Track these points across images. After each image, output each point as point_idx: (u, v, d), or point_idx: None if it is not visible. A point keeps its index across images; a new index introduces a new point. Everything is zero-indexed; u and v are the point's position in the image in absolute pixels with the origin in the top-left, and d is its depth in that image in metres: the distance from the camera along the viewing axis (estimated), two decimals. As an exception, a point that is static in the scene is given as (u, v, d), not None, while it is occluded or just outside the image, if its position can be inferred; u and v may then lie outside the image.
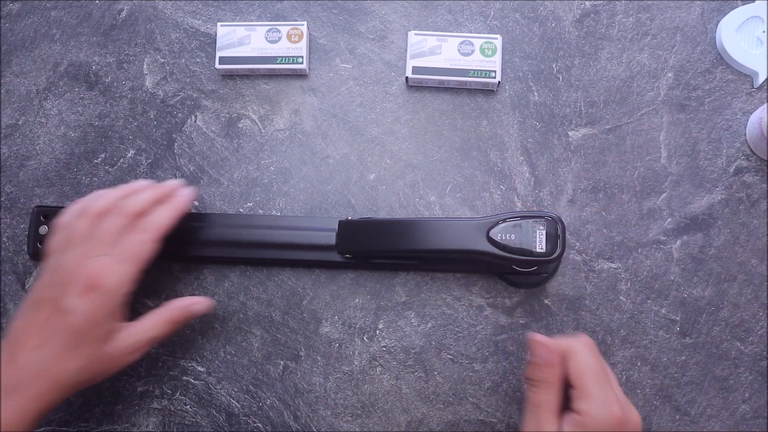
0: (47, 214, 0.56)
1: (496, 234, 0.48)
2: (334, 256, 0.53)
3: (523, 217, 0.49)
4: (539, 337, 0.46)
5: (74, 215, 0.48)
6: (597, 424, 0.42)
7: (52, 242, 0.48)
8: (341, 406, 0.54)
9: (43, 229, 0.56)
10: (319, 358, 0.55)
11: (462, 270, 0.55)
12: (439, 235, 0.49)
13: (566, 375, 0.45)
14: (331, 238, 0.53)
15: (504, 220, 0.49)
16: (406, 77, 0.57)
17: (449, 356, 0.54)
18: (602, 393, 0.43)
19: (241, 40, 0.58)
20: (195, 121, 0.59)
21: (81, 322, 0.44)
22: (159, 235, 0.48)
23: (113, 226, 0.47)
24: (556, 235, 0.48)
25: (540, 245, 0.48)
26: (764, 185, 0.56)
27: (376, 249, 0.52)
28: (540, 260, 0.48)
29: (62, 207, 0.56)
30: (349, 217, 0.54)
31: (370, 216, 0.56)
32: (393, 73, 0.59)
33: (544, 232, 0.48)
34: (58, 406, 0.46)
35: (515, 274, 0.53)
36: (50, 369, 0.44)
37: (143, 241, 0.47)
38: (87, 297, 0.44)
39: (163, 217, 0.49)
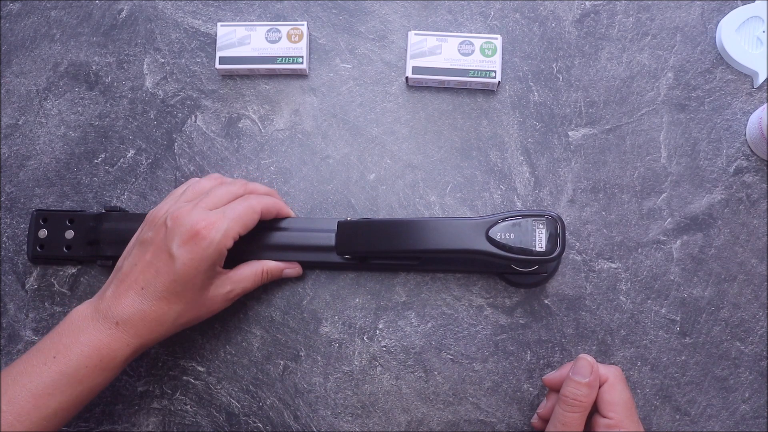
0: (47, 217, 0.56)
1: (496, 233, 0.48)
2: (334, 257, 0.53)
3: (522, 216, 0.48)
4: (591, 359, 0.47)
5: (205, 177, 0.53)
6: None
7: (176, 190, 0.52)
8: (341, 406, 0.54)
9: (42, 233, 0.55)
10: (319, 358, 0.55)
11: (462, 270, 0.55)
12: (438, 235, 0.49)
13: (597, 402, 0.46)
14: (330, 239, 0.53)
15: (503, 220, 0.48)
16: (406, 77, 0.57)
17: (449, 356, 0.54)
18: (634, 424, 0.45)
19: (241, 40, 0.58)
20: (195, 121, 0.59)
21: (184, 270, 0.46)
22: (263, 209, 0.51)
23: (228, 192, 0.50)
24: (556, 234, 0.48)
25: (540, 244, 0.48)
26: (764, 185, 0.56)
27: (376, 249, 0.52)
28: (540, 259, 0.48)
29: (62, 211, 0.56)
30: (348, 218, 0.53)
31: (369, 216, 0.56)
32: (393, 73, 0.59)
33: (544, 231, 0.48)
34: (158, 342, 0.48)
35: (515, 273, 0.53)
36: (152, 311, 0.46)
37: (249, 206, 0.50)
38: (191, 246, 0.46)
39: (270, 200, 0.52)
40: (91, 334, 0.45)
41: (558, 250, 0.48)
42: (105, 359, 0.45)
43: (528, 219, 0.48)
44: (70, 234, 0.55)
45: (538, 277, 0.54)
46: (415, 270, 0.55)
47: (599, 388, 0.46)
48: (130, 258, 0.49)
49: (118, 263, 0.50)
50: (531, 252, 0.48)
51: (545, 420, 0.49)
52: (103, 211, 0.56)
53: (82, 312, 0.47)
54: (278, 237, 0.54)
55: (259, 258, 0.53)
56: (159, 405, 0.54)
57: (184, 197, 0.51)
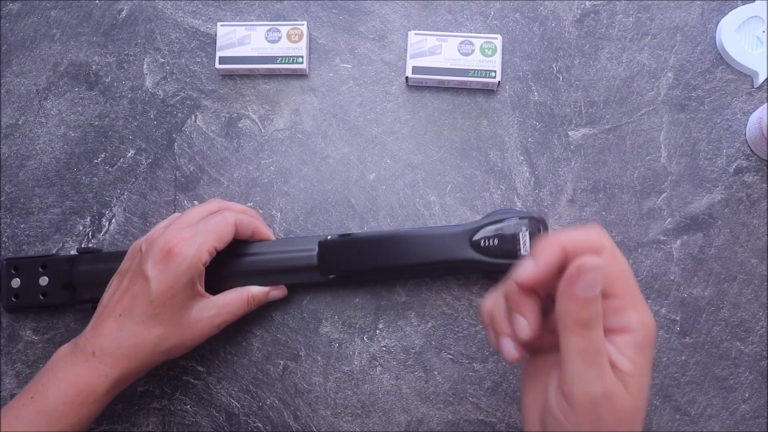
0: (18, 266, 0.54)
1: (480, 240, 0.48)
2: (318, 277, 0.52)
3: (505, 220, 0.48)
4: (595, 260, 0.33)
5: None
6: (653, 335, 0.33)
7: (158, 224, 0.51)
8: (341, 406, 0.54)
9: (15, 282, 0.53)
10: (319, 358, 0.55)
11: (450, 276, 0.55)
12: (422, 248, 0.49)
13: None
14: (312, 259, 0.52)
15: (486, 225, 0.48)
16: (406, 77, 0.57)
17: (449, 356, 0.54)
18: (642, 296, 0.34)
19: (241, 40, 0.58)
20: (195, 121, 0.59)
21: (160, 290, 0.45)
22: (237, 222, 0.49)
23: (201, 210, 0.50)
24: (540, 234, 0.48)
25: (524, 248, 0.48)
26: (764, 185, 0.56)
27: (359, 268, 0.51)
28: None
29: (33, 257, 0.55)
30: (328, 237, 0.52)
31: (370, 216, 0.56)
32: (393, 73, 0.59)
33: (527, 233, 0.48)
34: (143, 374, 0.47)
35: (501, 272, 0.53)
36: (130, 337, 0.45)
37: (222, 219, 0.48)
38: (165, 264, 0.45)
39: (245, 216, 0.51)
40: (68, 369, 0.44)
41: None
42: (83, 393, 0.44)
43: (510, 222, 0.48)
44: (44, 280, 0.53)
45: None
46: (404, 280, 0.55)
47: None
48: (109, 289, 0.48)
49: (102, 296, 0.48)
50: (516, 255, 0.48)
51: (524, 343, 0.37)
52: (76, 253, 0.55)
53: (62, 350, 0.46)
54: (260, 262, 0.52)
55: (243, 285, 0.51)
56: (159, 405, 0.54)
57: (163, 225, 0.50)
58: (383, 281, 0.55)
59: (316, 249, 0.52)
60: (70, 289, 0.53)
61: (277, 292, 0.53)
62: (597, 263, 0.33)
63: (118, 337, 0.45)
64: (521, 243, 0.47)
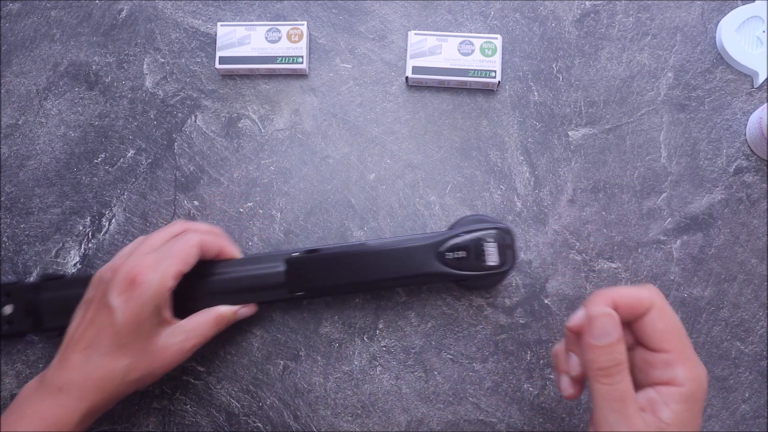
0: (10, 292, 0.53)
1: (447, 253, 0.49)
2: (286, 294, 0.51)
3: (472, 232, 0.49)
4: (603, 306, 0.36)
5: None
6: (703, 390, 0.34)
7: (123, 249, 0.50)
8: (341, 406, 0.54)
9: (7, 309, 0.52)
10: (319, 358, 0.55)
11: (419, 286, 0.55)
12: (388, 262, 0.49)
13: (642, 336, 0.37)
14: (280, 276, 0.51)
15: (452, 237, 0.49)
16: (406, 77, 0.57)
17: (449, 356, 0.54)
18: (694, 353, 0.35)
19: (241, 40, 0.58)
20: (195, 121, 0.59)
21: (125, 320, 0.44)
22: (201, 243, 0.48)
23: (165, 233, 0.49)
24: (507, 245, 0.49)
25: (491, 259, 0.48)
26: (764, 185, 0.56)
27: (326, 284, 0.50)
28: (492, 274, 0.49)
29: (20, 282, 0.54)
30: (295, 254, 0.51)
31: (369, 215, 0.56)
32: (393, 73, 0.59)
33: (494, 244, 0.48)
34: (113, 406, 0.46)
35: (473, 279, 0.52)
36: (98, 369, 0.44)
37: (185, 242, 0.47)
38: (130, 293, 0.44)
39: (210, 237, 0.50)
40: (35, 405, 0.43)
41: (510, 263, 0.49)
42: (52, 429, 0.42)
43: (477, 234, 0.49)
44: (9, 308, 0.53)
45: (494, 279, 0.52)
46: (374, 293, 0.55)
47: (645, 316, 0.37)
48: (74, 321, 0.47)
49: (68, 328, 0.47)
50: (483, 267, 0.48)
51: (580, 382, 0.40)
52: (40, 280, 0.54)
53: (29, 386, 0.45)
54: (227, 282, 0.51)
55: (211, 305, 0.50)
56: (159, 405, 0.54)
57: (127, 252, 0.49)
58: (352, 295, 0.55)
59: (284, 266, 0.51)
60: (35, 317, 0.52)
61: (246, 309, 0.51)
62: (605, 311, 0.35)
63: (84, 370, 0.44)
64: (487, 254, 0.48)
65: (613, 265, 0.55)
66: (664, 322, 0.36)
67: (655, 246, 0.55)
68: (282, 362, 0.55)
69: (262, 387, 0.54)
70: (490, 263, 0.48)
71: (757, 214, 0.55)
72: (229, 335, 0.55)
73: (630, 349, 0.38)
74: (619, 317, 0.36)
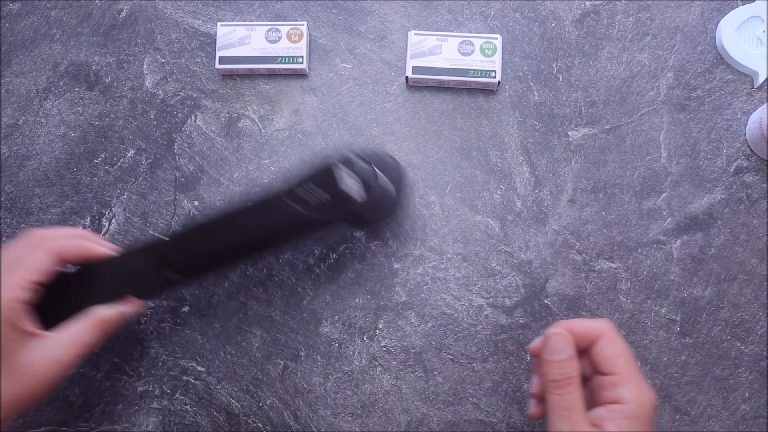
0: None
1: (299, 194, 0.47)
2: (161, 280, 0.48)
3: (324, 168, 0.47)
4: (561, 330, 0.42)
5: None
6: (646, 410, 0.39)
7: None
8: (341, 406, 0.54)
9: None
10: (319, 358, 0.55)
11: (310, 237, 0.52)
12: (249, 223, 0.47)
13: (595, 362, 0.42)
14: (142, 263, 0.48)
15: (302, 178, 0.47)
16: (406, 77, 0.57)
17: (449, 356, 0.54)
18: (640, 376, 0.40)
19: (241, 40, 0.58)
20: (195, 121, 0.59)
21: None
22: (58, 249, 0.45)
23: (20, 245, 0.45)
24: (367, 173, 0.46)
25: (346, 185, 0.46)
26: (764, 185, 0.56)
27: (194, 263, 0.48)
28: (357, 205, 0.47)
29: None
30: (159, 238, 0.49)
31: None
32: (393, 73, 0.59)
33: (352, 174, 0.46)
34: None
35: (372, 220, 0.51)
36: None
37: (30, 249, 0.44)
38: None
39: (72, 241, 0.46)
40: None
41: (377, 189, 0.47)
42: None
43: (327, 167, 0.47)
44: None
45: (381, 212, 0.51)
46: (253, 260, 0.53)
47: (596, 343, 0.42)
48: None
49: None
50: (341, 198, 0.46)
51: (542, 401, 0.45)
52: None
53: None
54: (93, 280, 0.48)
55: (87, 308, 0.46)
56: (159, 405, 0.54)
57: None
58: (231, 267, 0.53)
59: (145, 252, 0.48)
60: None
61: (129, 307, 0.47)
62: (559, 331, 0.42)
63: None
64: (343, 183, 0.46)
65: (613, 265, 0.55)
66: (612, 348, 0.41)
67: (655, 246, 0.55)
68: (282, 362, 0.55)
69: (262, 387, 0.54)
70: (348, 190, 0.46)
71: (757, 214, 0.56)
72: (229, 335, 0.55)
73: (588, 378, 0.43)
74: (575, 342, 0.42)
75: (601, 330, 0.42)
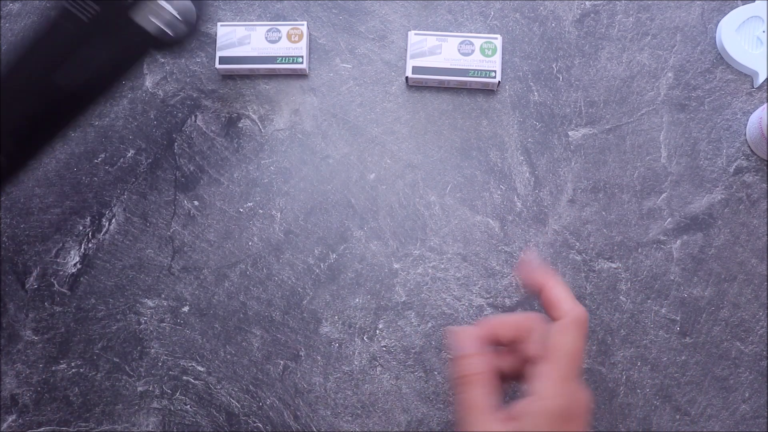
0: None
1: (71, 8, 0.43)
2: None
3: None
4: (465, 327, 0.41)
5: None
6: (571, 410, 0.36)
7: None
8: (341, 406, 0.54)
9: None
10: (319, 358, 0.55)
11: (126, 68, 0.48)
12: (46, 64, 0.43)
13: (524, 353, 0.39)
14: None
15: None
16: (406, 77, 0.57)
17: (449, 356, 0.54)
18: (572, 373, 0.37)
19: (241, 39, 0.58)
20: (195, 121, 0.59)
21: None
22: None
23: None
24: None
25: None
26: (764, 185, 0.56)
27: (21, 124, 0.44)
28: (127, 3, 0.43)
29: None
30: None
31: (370, 216, 0.56)
32: (393, 73, 0.59)
33: None
34: None
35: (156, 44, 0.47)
36: None
37: None
38: None
39: None
40: None
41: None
42: None
43: None
44: None
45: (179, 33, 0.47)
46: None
47: (527, 339, 0.39)
48: None
49: None
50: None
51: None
52: None
53: None
54: None
55: None
56: (159, 405, 0.54)
57: None
58: (57, 129, 0.48)
59: None
60: None
61: None
62: (462, 329, 0.40)
63: None
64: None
65: (613, 265, 0.55)
66: (557, 338, 0.38)
67: (655, 246, 0.55)
68: (282, 362, 0.55)
69: (262, 387, 0.54)
70: None
71: (757, 214, 0.56)
72: (229, 335, 0.55)
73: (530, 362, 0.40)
74: (482, 339, 0.40)
75: (531, 325, 0.40)
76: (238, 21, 0.60)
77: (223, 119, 0.59)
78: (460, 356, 0.39)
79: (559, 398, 0.36)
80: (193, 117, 0.59)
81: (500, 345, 0.41)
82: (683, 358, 0.54)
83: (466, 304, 0.55)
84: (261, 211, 0.57)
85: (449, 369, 0.43)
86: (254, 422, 0.54)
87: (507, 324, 0.40)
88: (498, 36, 0.57)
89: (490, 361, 0.39)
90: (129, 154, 0.58)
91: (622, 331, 0.54)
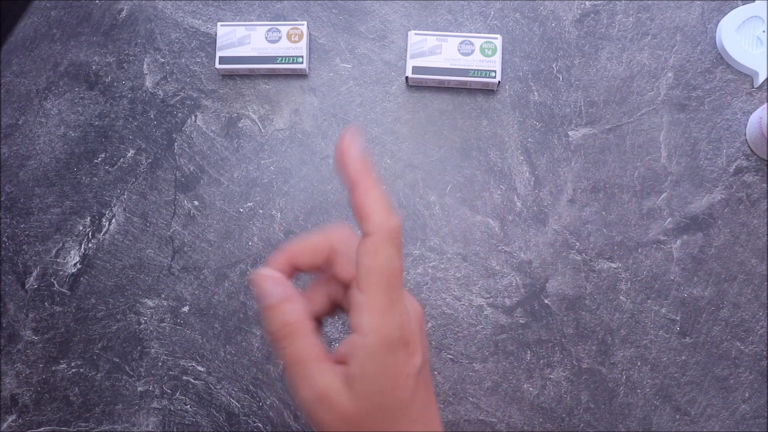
0: None
1: None
2: None
3: None
4: (264, 270, 0.33)
5: None
6: (387, 345, 0.30)
7: None
8: (341, 406, 0.54)
9: None
10: (319, 358, 0.55)
11: None
12: None
13: (339, 280, 0.34)
14: None
15: None
16: (406, 77, 0.57)
17: (449, 356, 0.54)
18: (392, 299, 0.31)
19: (241, 40, 0.58)
20: (195, 121, 0.59)
21: None
22: None
23: None
24: None
25: None
26: (764, 185, 0.56)
27: None
28: None
29: None
30: None
31: None
32: (393, 73, 0.59)
33: None
34: None
35: None
36: None
37: None
38: None
39: None
40: None
41: None
42: None
43: None
44: None
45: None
46: None
47: (335, 260, 0.34)
48: None
49: None
50: None
51: None
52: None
53: None
54: None
55: None
56: (159, 405, 0.54)
57: None
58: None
59: None
60: None
61: None
62: (261, 272, 0.32)
63: None
64: None
65: (613, 265, 0.55)
66: (368, 258, 0.31)
67: (655, 246, 0.55)
68: (282, 362, 0.55)
69: (262, 387, 0.54)
70: None
71: (757, 214, 0.56)
72: (229, 335, 0.55)
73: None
74: (306, 265, 0.33)
75: (330, 246, 0.34)
76: (238, 21, 0.60)
77: (223, 119, 0.59)
78: (269, 307, 0.32)
79: (381, 330, 0.30)
80: (193, 117, 0.59)
81: (306, 272, 0.35)
82: (683, 358, 0.54)
83: (466, 304, 0.55)
84: (261, 211, 0.57)
85: (262, 322, 0.36)
86: (254, 422, 0.54)
87: (306, 249, 0.34)
88: (498, 36, 0.57)
89: (304, 302, 0.33)
90: (129, 154, 0.59)
91: (622, 331, 0.54)
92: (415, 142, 0.58)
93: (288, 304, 0.32)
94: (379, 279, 0.30)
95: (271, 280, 0.32)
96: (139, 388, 0.54)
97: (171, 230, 0.57)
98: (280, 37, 0.58)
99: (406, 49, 0.58)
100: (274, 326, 0.32)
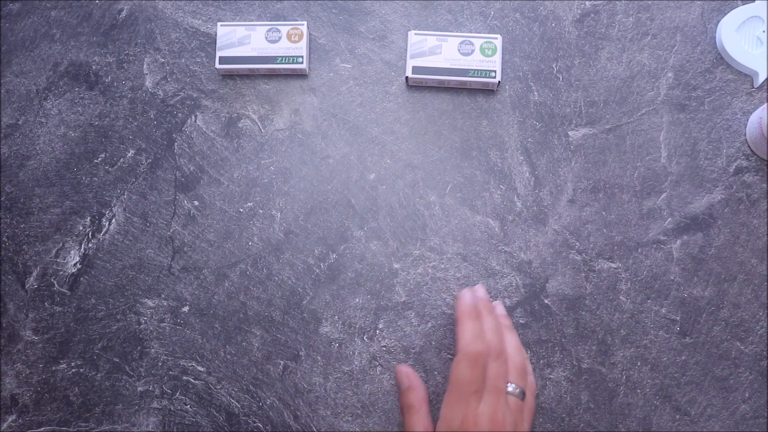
0: None
1: None
2: None
3: None
4: (402, 367, 0.51)
5: None
6: (442, 427, 0.45)
7: None
8: (341, 406, 0.54)
9: None
10: (319, 358, 0.55)
11: None
12: None
13: None
14: None
15: None
16: (406, 77, 0.57)
17: (449, 356, 0.54)
18: (454, 396, 0.45)
19: (241, 39, 0.58)
20: (195, 121, 0.59)
21: None
22: None
23: None
24: None
25: None
26: (764, 185, 0.56)
27: None
28: None
29: None
30: None
31: (369, 217, 0.56)
32: (393, 73, 0.59)
33: None
34: None
35: None
36: None
37: None
38: None
39: None
40: None
41: None
42: None
43: None
44: None
45: None
46: None
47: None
48: None
49: None
50: None
51: None
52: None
53: None
54: None
55: None
56: (159, 405, 0.54)
57: None
58: None
59: None
60: None
61: None
62: (399, 367, 0.51)
63: None
64: None
65: (613, 265, 0.55)
66: (452, 369, 0.47)
67: (655, 246, 0.55)
68: (282, 362, 0.55)
69: (262, 387, 0.54)
70: None
71: (757, 214, 0.56)
72: (229, 335, 0.55)
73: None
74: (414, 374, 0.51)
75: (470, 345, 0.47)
76: (238, 21, 0.60)
77: (223, 119, 0.59)
78: (401, 391, 0.49)
79: (447, 419, 0.45)
80: (193, 117, 0.59)
81: None
82: (683, 358, 0.54)
83: (466, 304, 0.55)
84: (261, 211, 0.57)
85: (398, 399, 0.51)
86: (254, 422, 0.54)
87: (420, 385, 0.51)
88: (498, 36, 0.57)
89: (424, 390, 0.49)
90: (129, 154, 0.59)
91: (622, 331, 0.54)
92: (415, 142, 0.58)
93: (412, 391, 0.49)
94: (453, 384, 0.45)
95: (401, 373, 0.50)
96: (139, 388, 0.55)
97: (171, 230, 0.57)
98: (280, 37, 0.58)
99: (406, 49, 0.58)
100: (402, 403, 0.49)
